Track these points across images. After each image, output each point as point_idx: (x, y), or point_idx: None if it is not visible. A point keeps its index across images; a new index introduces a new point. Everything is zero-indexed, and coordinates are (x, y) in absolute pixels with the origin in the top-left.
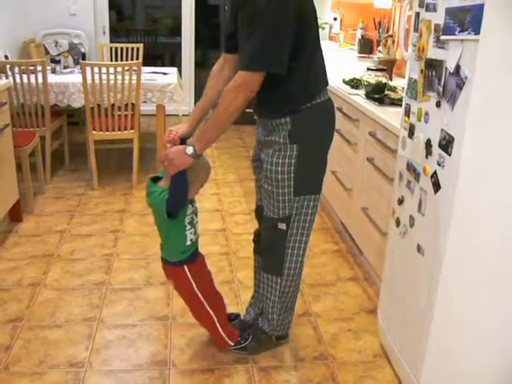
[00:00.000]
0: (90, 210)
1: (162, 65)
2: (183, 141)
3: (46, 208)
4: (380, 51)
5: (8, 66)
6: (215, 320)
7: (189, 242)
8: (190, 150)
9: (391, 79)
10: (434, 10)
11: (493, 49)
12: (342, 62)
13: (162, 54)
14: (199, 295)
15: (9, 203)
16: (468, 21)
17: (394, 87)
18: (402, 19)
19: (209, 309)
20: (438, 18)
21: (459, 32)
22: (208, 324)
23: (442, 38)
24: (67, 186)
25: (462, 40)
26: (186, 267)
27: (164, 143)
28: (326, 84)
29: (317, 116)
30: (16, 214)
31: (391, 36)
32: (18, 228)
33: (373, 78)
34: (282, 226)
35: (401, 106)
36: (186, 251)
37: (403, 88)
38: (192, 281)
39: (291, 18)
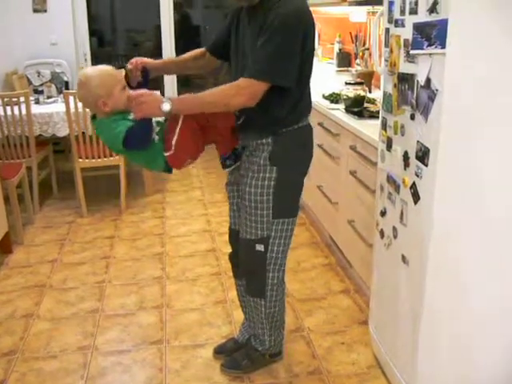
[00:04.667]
0: (80, 237)
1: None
2: (144, 71)
3: (36, 238)
4: (358, 64)
5: None
6: None
7: (157, 138)
8: (166, 106)
9: (370, 91)
10: (403, 25)
11: (459, 61)
12: (321, 77)
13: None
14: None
15: None
16: (434, 35)
17: (373, 99)
18: (374, 35)
19: None
20: (407, 33)
21: (427, 46)
22: None
23: (412, 52)
24: (56, 214)
25: (430, 54)
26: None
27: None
28: (310, 110)
29: (298, 140)
30: (6, 246)
31: (368, 49)
32: (9, 260)
33: (351, 92)
34: (260, 247)
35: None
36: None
37: None
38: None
39: (299, 38)
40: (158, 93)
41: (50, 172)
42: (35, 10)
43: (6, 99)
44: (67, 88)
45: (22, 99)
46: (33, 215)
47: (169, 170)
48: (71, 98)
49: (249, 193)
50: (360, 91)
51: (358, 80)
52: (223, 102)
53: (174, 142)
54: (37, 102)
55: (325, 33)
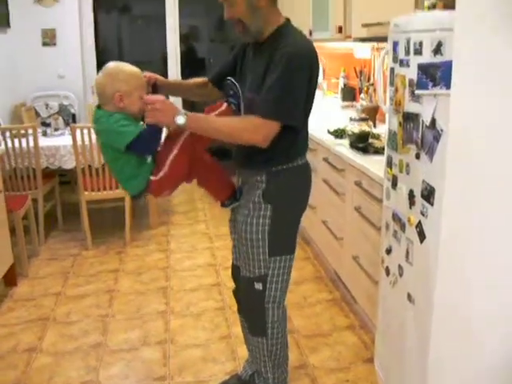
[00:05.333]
0: (84, 270)
1: None
2: (155, 86)
3: (41, 270)
4: (363, 99)
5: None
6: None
7: (149, 160)
8: (181, 119)
9: (375, 126)
10: (407, 65)
11: (464, 102)
12: (326, 111)
13: None
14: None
15: (3, 268)
16: (439, 76)
17: (378, 135)
18: (378, 73)
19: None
20: (412, 73)
21: (432, 87)
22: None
23: (417, 92)
24: (61, 246)
25: (435, 94)
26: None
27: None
28: (307, 149)
29: (293, 178)
30: (11, 279)
31: (372, 84)
32: (13, 293)
33: (356, 127)
34: (259, 285)
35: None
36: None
37: None
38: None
39: (306, 78)
40: (174, 103)
41: (56, 204)
42: (45, 44)
43: (14, 131)
44: (74, 120)
45: (29, 131)
46: (38, 247)
47: (138, 195)
48: (78, 132)
49: (244, 231)
50: (365, 127)
51: (363, 116)
52: (238, 135)
53: (162, 174)
54: (44, 134)
55: (330, 67)
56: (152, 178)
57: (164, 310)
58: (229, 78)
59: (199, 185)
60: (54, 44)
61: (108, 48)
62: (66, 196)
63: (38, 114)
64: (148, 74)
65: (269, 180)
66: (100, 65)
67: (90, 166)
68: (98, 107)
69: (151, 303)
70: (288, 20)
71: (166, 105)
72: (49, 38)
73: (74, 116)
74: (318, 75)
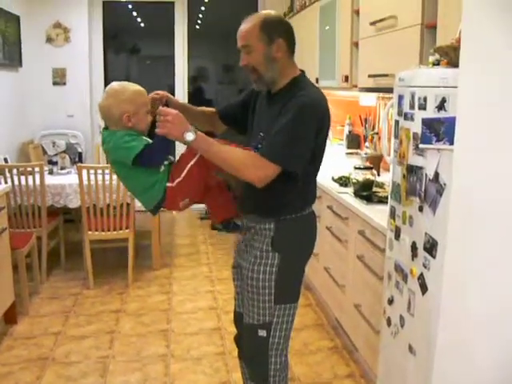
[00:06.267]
0: (85, 310)
1: None
2: (166, 105)
3: (42, 309)
4: (367, 147)
5: (7, 169)
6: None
7: (162, 169)
8: (190, 136)
9: (379, 174)
10: (412, 119)
11: (467, 158)
12: (331, 159)
13: None
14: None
15: (4, 306)
16: (443, 131)
17: (382, 183)
18: (383, 124)
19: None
20: (416, 127)
21: (435, 141)
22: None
23: (421, 146)
24: (63, 285)
25: (439, 149)
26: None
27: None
28: (315, 199)
29: (301, 227)
30: (11, 317)
31: (377, 133)
32: (13, 331)
33: (361, 176)
34: (263, 332)
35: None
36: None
37: None
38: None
39: (314, 128)
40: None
41: (59, 242)
42: (55, 83)
43: (21, 169)
44: (80, 159)
45: (36, 169)
46: (39, 285)
47: (157, 207)
48: (84, 171)
49: (250, 278)
50: (369, 175)
51: (367, 164)
52: (240, 169)
53: (178, 180)
54: (50, 172)
55: (335, 114)
56: (168, 184)
57: (164, 353)
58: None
59: (204, 199)
60: (64, 83)
61: None
62: (69, 234)
63: (44, 152)
64: (161, 92)
65: (277, 228)
66: None
67: (94, 206)
68: (105, 128)
69: (152, 346)
70: (303, 72)
71: (178, 118)
72: (59, 77)
73: (80, 155)
74: (328, 128)
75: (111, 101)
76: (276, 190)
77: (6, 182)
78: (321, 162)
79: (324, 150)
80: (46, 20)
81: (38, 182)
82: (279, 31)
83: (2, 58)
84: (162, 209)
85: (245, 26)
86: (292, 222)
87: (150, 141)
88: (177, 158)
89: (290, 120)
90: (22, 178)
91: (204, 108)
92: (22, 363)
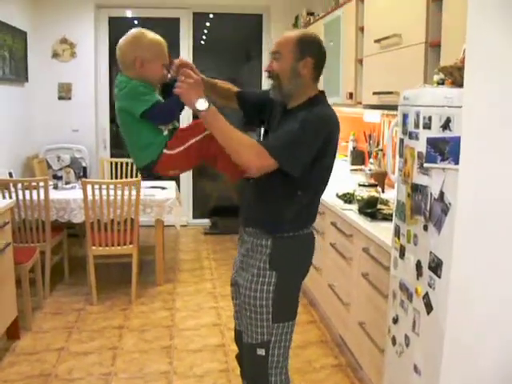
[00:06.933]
0: (88, 325)
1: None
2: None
3: (44, 324)
4: (372, 163)
5: (11, 184)
6: None
7: (166, 133)
8: (202, 104)
9: (383, 191)
10: (417, 138)
11: (472, 177)
12: (335, 174)
13: None
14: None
15: (7, 321)
16: (448, 151)
17: (387, 200)
18: (388, 142)
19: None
20: (421, 146)
21: (440, 161)
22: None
23: (425, 165)
24: (66, 300)
25: (444, 168)
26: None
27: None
28: (315, 219)
29: (298, 246)
30: (14, 332)
31: (381, 150)
32: (16, 346)
33: (365, 193)
34: (261, 351)
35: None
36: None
37: None
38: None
39: (320, 141)
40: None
41: (63, 257)
42: (60, 98)
43: (25, 183)
44: (85, 173)
45: (41, 184)
46: (43, 300)
47: (147, 168)
48: (89, 186)
49: (248, 296)
50: (373, 192)
51: (372, 181)
52: (240, 150)
53: (179, 149)
54: (55, 187)
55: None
56: (166, 151)
57: (167, 370)
58: None
59: (216, 166)
60: (70, 98)
61: None
62: (73, 249)
63: (49, 166)
64: (184, 59)
65: (275, 246)
66: (113, 119)
67: (98, 221)
68: (121, 73)
69: (154, 362)
70: (322, 92)
71: (197, 84)
72: (64, 92)
73: (85, 169)
74: (336, 148)
75: (129, 44)
76: (278, 205)
77: (10, 197)
78: (326, 183)
79: (331, 171)
80: (52, 35)
81: (42, 196)
82: (311, 51)
83: (8, 72)
84: (150, 171)
85: (284, 36)
86: (289, 240)
87: (162, 100)
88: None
89: (298, 126)
90: (27, 192)
91: (225, 82)
92: (24, 380)
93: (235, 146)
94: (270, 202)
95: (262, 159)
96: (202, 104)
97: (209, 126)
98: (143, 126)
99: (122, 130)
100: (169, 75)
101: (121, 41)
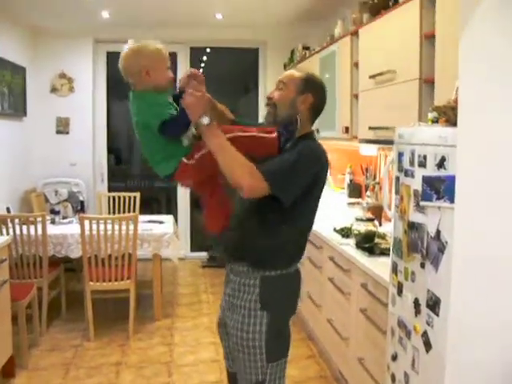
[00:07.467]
0: (85, 362)
1: (159, 207)
2: None
3: (41, 361)
4: (368, 196)
5: (9, 219)
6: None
7: (186, 143)
8: (205, 119)
9: (380, 224)
10: (412, 176)
11: (468, 216)
12: (332, 207)
13: (159, 198)
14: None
15: (2, 360)
16: (443, 189)
17: (384, 234)
18: (384, 178)
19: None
20: (417, 184)
21: (436, 199)
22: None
23: (421, 203)
24: (63, 337)
25: (440, 207)
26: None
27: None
28: (302, 256)
29: (287, 285)
30: (9, 370)
31: (378, 183)
32: None
33: (363, 226)
34: None
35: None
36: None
37: None
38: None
39: (311, 175)
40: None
41: (60, 292)
42: (58, 132)
43: (23, 219)
44: (82, 207)
45: (38, 219)
46: (39, 337)
47: (169, 178)
48: (86, 222)
49: (240, 337)
50: (370, 226)
51: (369, 215)
52: (236, 167)
53: (195, 157)
54: (53, 222)
55: (336, 163)
56: (185, 160)
57: None
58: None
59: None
60: (67, 132)
61: (119, 132)
62: (70, 284)
63: (47, 200)
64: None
65: (264, 286)
66: (109, 149)
67: (96, 256)
68: (132, 89)
69: None
70: (313, 131)
71: (203, 99)
72: (62, 126)
73: (82, 203)
74: (323, 184)
75: (130, 58)
76: (264, 239)
77: (8, 233)
78: (312, 220)
79: (315, 211)
80: (51, 70)
81: (40, 231)
82: (313, 89)
83: (7, 107)
84: (170, 180)
85: (294, 70)
86: (277, 279)
87: (174, 112)
88: None
89: (293, 157)
90: (24, 227)
91: (222, 105)
92: None
93: (231, 162)
94: (256, 238)
95: (255, 180)
96: (205, 119)
97: (208, 141)
98: (162, 139)
99: (142, 145)
100: (177, 86)
101: (121, 58)
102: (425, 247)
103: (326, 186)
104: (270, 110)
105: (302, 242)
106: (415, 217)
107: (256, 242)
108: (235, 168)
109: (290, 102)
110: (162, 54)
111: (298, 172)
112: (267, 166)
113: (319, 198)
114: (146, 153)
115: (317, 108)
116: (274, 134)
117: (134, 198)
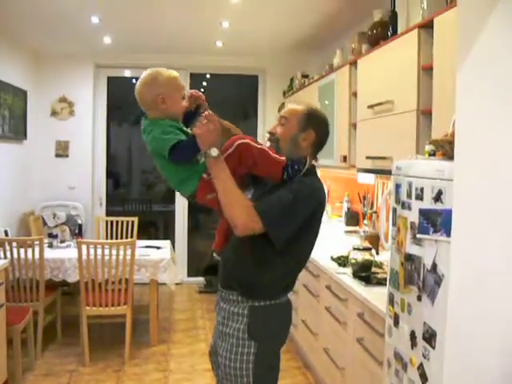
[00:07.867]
0: None
1: (156, 232)
2: (199, 107)
3: None
4: (366, 224)
5: (6, 243)
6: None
7: (203, 160)
8: (214, 152)
9: (378, 253)
10: (409, 208)
11: (464, 250)
12: (330, 236)
13: (156, 222)
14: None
15: None
16: (440, 222)
17: (381, 263)
18: (382, 208)
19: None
20: (413, 216)
21: (433, 232)
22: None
23: (418, 236)
24: (58, 361)
25: (436, 240)
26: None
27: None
28: (292, 288)
29: (276, 316)
30: None
31: (375, 212)
32: None
33: (360, 256)
34: None
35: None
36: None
37: None
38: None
39: (309, 212)
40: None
41: (56, 316)
42: (57, 155)
43: (20, 242)
44: (80, 231)
45: (36, 242)
46: (34, 361)
47: (193, 196)
48: (84, 247)
49: (228, 366)
50: (368, 256)
51: (366, 244)
52: (233, 203)
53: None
54: (50, 245)
55: (334, 190)
56: (205, 176)
57: None
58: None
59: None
60: (67, 155)
61: (118, 156)
62: (66, 308)
63: (45, 223)
64: (196, 93)
65: (252, 315)
66: (108, 174)
67: (93, 281)
68: (145, 117)
69: None
70: (315, 166)
71: (216, 132)
72: (62, 150)
73: (80, 226)
74: (319, 223)
75: (147, 85)
76: (256, 268)
77: (5, 256)
78: (308, 255)
79: (312, 245)
80: (52, 94)
81: (37, 255)
82: (316, 126)
83: (7, 130)
84: (195, 198)
85: (296, 104)
86: (267, 309)
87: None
88: None
89: (291, 195)
90: (22, 250)
91: (235, 128)
92: None
93: (232, 200)
94: (248, 266)
95: (251, 221)
96: (214, 152)
97: (214, 174)
98: (175, 164)
99: (160, 170)
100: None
101: (137, 85)
102: (421, 280)
103: (323, 217)
104: (272, 145)
105: (296, 274)
106: (412, 249)
107: (248, 272)
108: (234, 206)
109: (292, 139)
110: (177, 81)
111: (294, 213)
112: (264, 205)
113: (317, 232)
114: (165, 176)
115: (319, 144)
116: (283, 158)
117: (132, 222)
